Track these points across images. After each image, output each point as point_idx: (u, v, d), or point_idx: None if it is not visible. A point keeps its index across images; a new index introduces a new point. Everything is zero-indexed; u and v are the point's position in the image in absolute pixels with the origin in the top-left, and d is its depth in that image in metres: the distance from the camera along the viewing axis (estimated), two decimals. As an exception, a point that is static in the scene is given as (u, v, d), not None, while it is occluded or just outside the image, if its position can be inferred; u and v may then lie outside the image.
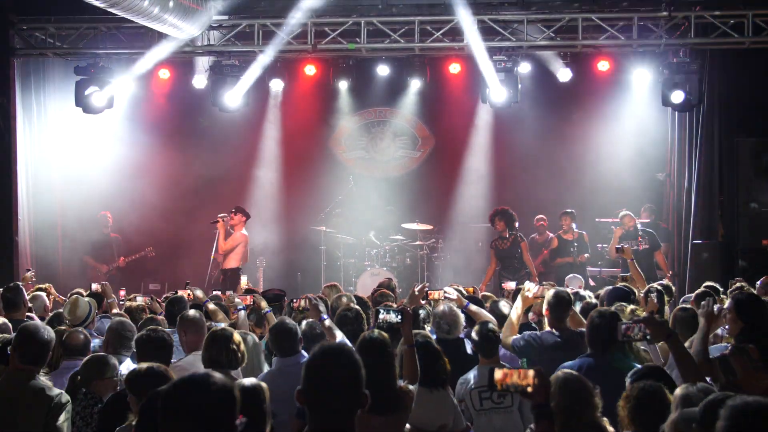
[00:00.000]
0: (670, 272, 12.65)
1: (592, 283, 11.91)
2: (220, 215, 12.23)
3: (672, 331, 4.59)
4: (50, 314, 7.36)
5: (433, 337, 5.76)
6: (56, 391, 4.82)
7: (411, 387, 4.76)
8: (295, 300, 7.04)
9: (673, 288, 9.92)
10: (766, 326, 5.19)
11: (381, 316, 5.13)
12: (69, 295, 7.97)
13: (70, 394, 4.94)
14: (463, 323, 6.19)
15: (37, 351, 4.85)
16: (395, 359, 4.66)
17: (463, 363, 5.74)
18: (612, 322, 5.10)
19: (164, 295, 9.14)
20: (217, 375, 2.74)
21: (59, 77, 13.56)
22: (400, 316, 5.08)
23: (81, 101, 12.27)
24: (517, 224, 11.93)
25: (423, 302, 6.72)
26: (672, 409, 3.70)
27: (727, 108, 12.77)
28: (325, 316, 6.17)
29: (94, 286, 8.90)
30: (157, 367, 4.40)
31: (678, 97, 11.56)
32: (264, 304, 7.32)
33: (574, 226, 12.33)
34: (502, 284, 8.73)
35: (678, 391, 3.74)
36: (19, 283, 7.90)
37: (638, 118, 14.21)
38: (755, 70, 12.34)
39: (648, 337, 4.58)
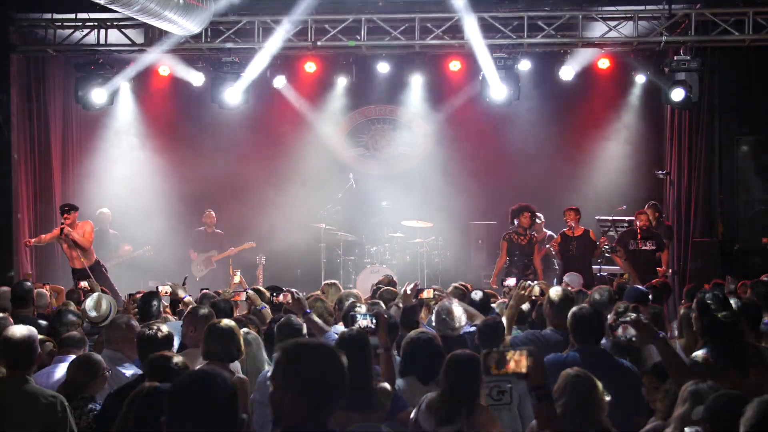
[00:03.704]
0: (671, 270, 12.67)
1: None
2: (61, 226, 11.32)
3: (659, 333, 4.58)
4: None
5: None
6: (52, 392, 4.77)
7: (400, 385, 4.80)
8: (276, 295, 7.00)
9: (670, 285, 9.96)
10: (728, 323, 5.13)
11: (356, 322, 5.13)
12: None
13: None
14: (465, 320, 6.19)
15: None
16: (373, 357, 4.69)
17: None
18: (595, 316, 5.13)
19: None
20: (221, 371, 2.75)
21: (59, 74, 13.55)
22: (374, 321, 5.08)
23: (81, 98, 12.27)
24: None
25: (414, 300, 6.71)
26: (678, 404, 3.71)
27: (728, 106, 12.79)
28: (309, 310, 6.16)
29: (83, 283, 8.88)
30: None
31: (678, 94, 11.55)
32: (259, 300, 7.31)
33: (572, 223, 12.24)
34: (504, 281, 8.70)
35: (686, 386, 3.74)
36: (29, 281, 7.93)
37: (638, 116, 14.24)
38: (755, 68, 12.35)
39: (634, 339, 4.57)
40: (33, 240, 11.80)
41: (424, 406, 4.44)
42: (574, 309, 5.25)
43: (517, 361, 3.52)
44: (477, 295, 7.14)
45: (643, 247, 11.44)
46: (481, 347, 5.55)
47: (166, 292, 7.74)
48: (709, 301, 5.14)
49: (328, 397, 2.85)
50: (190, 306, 6.82)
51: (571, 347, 5.13)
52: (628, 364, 5.12)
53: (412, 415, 4.53)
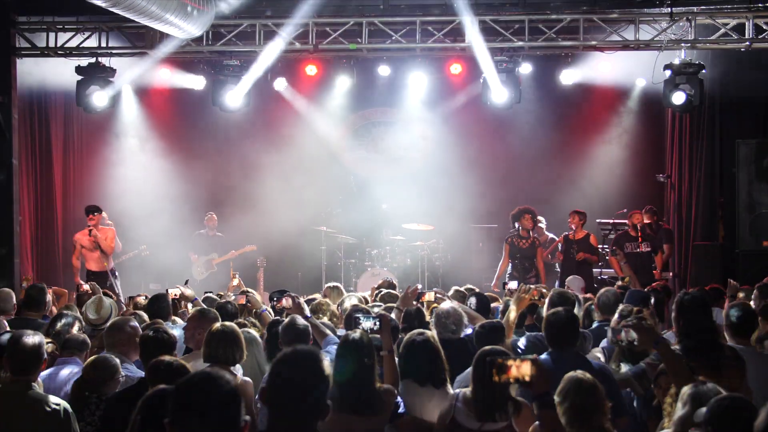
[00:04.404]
0: (671, 273, 12.68)
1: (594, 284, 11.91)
2: (89, 228, 11.84)
3: (660, 336, 4.57)
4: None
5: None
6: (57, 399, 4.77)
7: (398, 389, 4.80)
8: (276, 299, 6.99)
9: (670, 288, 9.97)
10: (704, 325, 5.18)
11: (360, 323, 5.13)
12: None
13: (75, 400, 4.91)
14: (467, 323, 6.20)
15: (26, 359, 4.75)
16: (376, 360, 4.70)
17: (470, 362, 5.71)
18: (567, 320, 5.16)
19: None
20: (224, 373, 2.76)
21: (61, 77, 13.55)
22: (377, 323, 5.08)
23: (82, 101, 12.26)
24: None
25: (415, 303, 6.72)
26: (679, 407, 3.71)
27: (728, 109, 12.81)
28: (310, 314, 6.16)
29: (85, 286, 8.87)
30: (176, 362, 4.41)
31: (679, 98, 11.55)
32: (259, 303, 7.30)
33: (573, 226, 12.26)
34: (506, 284, 8.70)
35: (686, 388, 3.74)
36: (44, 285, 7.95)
37: (639, 119, 14.25)
38: (756, 72, 12.36)
39: (635, 342, 4.56)
40: (77, 263, 12.07)
41: (461, 404, 4.45)
42: (547, 313, 5.30)
43: (520, 369, 3.52)
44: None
45: (638, 250, 11.50)
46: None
47: (175, 295, 7.74)
48: (685, 303, 5.19)
49: (313, 404, 2.93)
50: (196, 308, 6.81)
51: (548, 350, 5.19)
52: (601, 366, 5.14)
53: (443, 411, 4.54)
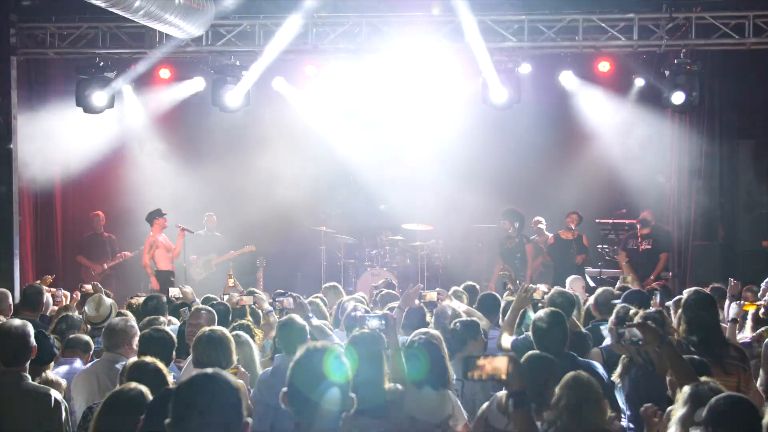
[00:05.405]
0: (671, 273, 12.70)
1: (592, 284, 11.92)
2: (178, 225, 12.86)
3: (665, 336, 4.59)
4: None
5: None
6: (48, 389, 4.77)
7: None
8: (278, 299, 7.00)
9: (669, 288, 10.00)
10: (711, 323, 5.22)
11: (366, 323, 5.13)
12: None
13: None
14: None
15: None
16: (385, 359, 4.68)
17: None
18: (554, 323, 5.18)
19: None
20: (226, 375, 2.75)
21: (60, 76, 13.55)
22: (383, 322, 5.07)
23: (81, 101, 12.25)
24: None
25: (417, 302, 6.71)
26: (679, 406, 3.71)
27: (728, 110, 12.81)
28: (312, 314, 6.16)
29: (87, 287, 8.88)
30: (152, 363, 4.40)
31: (678, 98, 11.56)
32: (266, 305, 7.29)
33: (573, 226, 12.32)
34: (506, 284, 8.72)
35: (687, 388, 3.75)
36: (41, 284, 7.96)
37: (638, 119, 14.22)
38: (756, 72, 12.37)
39: (641, 342, 4.57)
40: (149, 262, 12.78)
41: (494, 405, 4.45)
42: (534, 317, 5.34)
43: (496, 366, 3.50)
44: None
45: (639, 248, 11.56)
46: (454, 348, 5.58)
47: (174, 296, 7.73)
48: (692, 301, 5.23)
49: (333, 400, 2.95)
50: (196, 308, 6.81)
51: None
52: (586, 364, 5.14)
53: (481, 412, 4.54)
